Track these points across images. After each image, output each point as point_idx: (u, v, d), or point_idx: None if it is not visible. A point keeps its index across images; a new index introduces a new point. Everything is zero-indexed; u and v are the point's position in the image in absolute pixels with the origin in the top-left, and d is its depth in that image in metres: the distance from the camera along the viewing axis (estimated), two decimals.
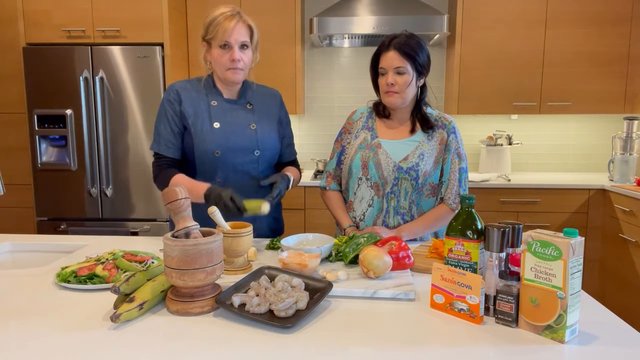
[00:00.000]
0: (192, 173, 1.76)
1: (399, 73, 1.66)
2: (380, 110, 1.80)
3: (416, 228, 1.72)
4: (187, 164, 1.77)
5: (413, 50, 1.64)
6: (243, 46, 1.65)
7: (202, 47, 1.71)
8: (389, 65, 1.67)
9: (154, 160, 1.75)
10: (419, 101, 1.75)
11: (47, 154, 3.21)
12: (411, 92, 1.69)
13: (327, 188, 1.87)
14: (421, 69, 1.67)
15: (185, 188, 1.62)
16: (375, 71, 1.74)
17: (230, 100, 1.75)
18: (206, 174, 1.72)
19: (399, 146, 1.73)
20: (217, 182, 1.71)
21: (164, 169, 1.71)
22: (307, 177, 3.43)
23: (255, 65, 1.75)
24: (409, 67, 1.65)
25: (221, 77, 1.70)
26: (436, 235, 1.82)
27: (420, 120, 1.74)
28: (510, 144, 3.64)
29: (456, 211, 1.35)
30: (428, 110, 1.78)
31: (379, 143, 1.75)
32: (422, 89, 1.74)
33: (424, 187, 1.72)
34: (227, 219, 1.43)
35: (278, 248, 1.66)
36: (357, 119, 1.84)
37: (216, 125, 1.69)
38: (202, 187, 1.58)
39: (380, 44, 1.71)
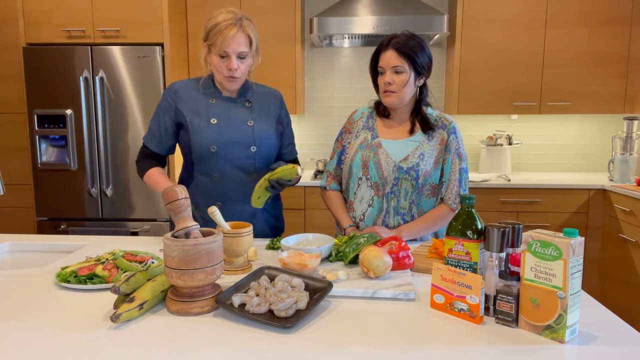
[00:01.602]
0: (190, 170, 1.79)
1: (397, 72, 1.66)
2: (381, 110, 1.80)
3: (416, 228, 1.72)
4: (186, 161, 1.80)
5: (412, 50, 1.64)
6: (241, 55, 1.65)
7: (203, 48, 1.71)
8: (386, 64, 1.67)
9: (140, 147, 1.83)
10: (419, 102, 1.75)
11: (47, 154, 3.21)
12: (409, 92, 1.69)
13: (328, 188, 1.87)
14: (420, 69, 1.67)
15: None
16: (375, 71, 1.74)
17: (229, 98, 1.76)
18: (203, 170, 1.75)
19: (399, 146, 1.73)
20: (215, 178, 1.72)
21: (145, 157, 1.79)
22: (307, 177, 3.43)
23: (255, 66, 1.76)
24: (406, 67, 1.65)
25: (219, 82, 1.73)
26: (436, 235, 1.82)
27: (420, 121, 1.74)
28: (510, 144, 3.64)
29: (456, 211, 1.35)
30: (428, 110, 1.78)
31: (380, 143, 1.75)
32: (422, 89, 1.74)
33: (424, 187, 1.72)
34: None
35: (278, 248, 1.66)
36: (357, 119, 1.84)
37: (213, 121, 1.71)
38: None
39: (379, 44, 1.71)
